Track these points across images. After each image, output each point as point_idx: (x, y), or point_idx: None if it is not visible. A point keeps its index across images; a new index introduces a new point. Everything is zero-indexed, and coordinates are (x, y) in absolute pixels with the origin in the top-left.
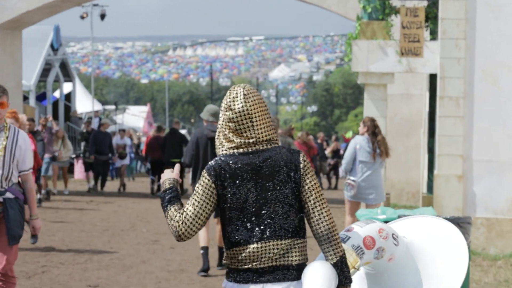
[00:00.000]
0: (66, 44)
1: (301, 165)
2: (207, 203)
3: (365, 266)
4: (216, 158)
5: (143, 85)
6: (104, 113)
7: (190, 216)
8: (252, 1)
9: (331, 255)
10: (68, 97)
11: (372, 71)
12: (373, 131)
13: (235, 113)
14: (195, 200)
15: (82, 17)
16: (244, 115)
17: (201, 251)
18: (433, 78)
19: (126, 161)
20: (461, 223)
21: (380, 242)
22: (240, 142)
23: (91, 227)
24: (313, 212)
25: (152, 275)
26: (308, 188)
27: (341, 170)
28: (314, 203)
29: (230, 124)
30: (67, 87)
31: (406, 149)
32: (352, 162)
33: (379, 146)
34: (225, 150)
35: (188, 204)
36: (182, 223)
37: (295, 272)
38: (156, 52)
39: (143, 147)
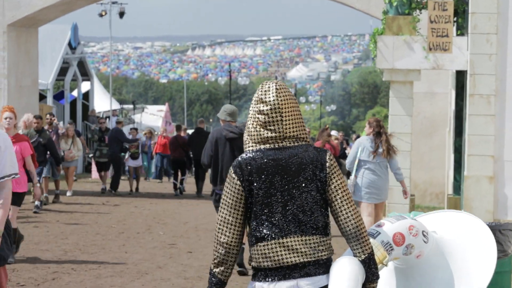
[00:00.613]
0: (86, 44)
1: (327, 164)
2: (239, 199)
3: (394, 261)
4: (242, 155)
5: (161, 84)
6: (122, 112)
7: (227, 220)
8: (270, 1)
9: (359, 252)
10: (86, 96)
11: (398, 67)
12: (378, 131)
13: (266, 105)
14: (226, 201)
15: (101, 15)
16: (275, 108)
17: None
18: (460, 75)
19: (139, 161)
20: (503, 230)
21: (410, 239)
22: (268, 136)
23: (106, 230)
24: (341, 211)
25: (168, 282)
26: (335, 187)
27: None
28: (342, 201)
29: (260, 116)
30: (85, 86)
31: (430, 149)
32: (355, 162)
33: (382, 145)
34: (252, 146)
35: (220, 211)
36: (221, 232)
37: (324, 266)
38: (175, 52)
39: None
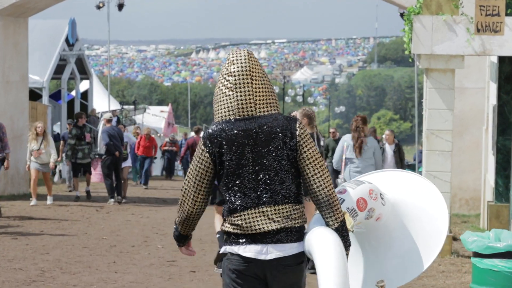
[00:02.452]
0: (90, 47)
1: (297, 132)
2: (205, 172)
3: (356, 226)
4: (212, 126)
5: (165, 87)
6: (122, 113)
7: (190, 190)
8: (274, 4)
9: (332, 220)
10: (85, 95)
11: (437, 53)
12: (356, 127)
13: (237, 67)
14: (192, 172)
15: (99, 7)
16: (246, 70)
17: (217, 235)
18: (503, 64)
19: (128, 162)
20: None
21: (371, 203)
22: (237, 102)
23: (96, 243)
24: (313, 179)
25: None
26: (307, 155)
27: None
28: (314, 170)
29: (230, 78)
30: (84, 85)
31: (460, 150)
32: (341, 159)
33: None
34: (221, 115)
35: (186, 179)
36: (184, 201)
37: (297, 234)
38: (179, 55)
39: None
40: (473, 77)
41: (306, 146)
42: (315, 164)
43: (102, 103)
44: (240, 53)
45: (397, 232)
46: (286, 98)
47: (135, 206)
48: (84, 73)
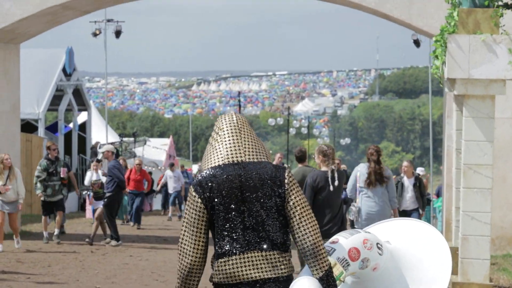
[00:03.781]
0: (91, 79)
1: (286, 181)
2: (201, 218)
3: (351, 276)
4: (202, 173)
5: (167, 119)
6: (122, 145)
7: (189, 240)
8: (275, 36)
9: (317, 269)
10: (83, 127)
11: (476, 77)
12: (368, 158)
13: (226, 124)
14: (188, 220)
15: (95, 34)
16: (234, 125)
17: None
18: None
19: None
20: None
21: (365, 253)
22: (227, 149)
23: None
24: (299, 228)
25: None
26: (294, 203)
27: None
28: (300, 218)
29: (220, 132)
30: (82, 116)
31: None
32: (355, 189)
33: (370, 174)
34: (211, 163)
35: (182, 230)
36: (184, 254)
37: (284, 283)
38: (180, 87)
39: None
40: (500, 105)
41: (293, 194)
42: (301, 213)
43: (101, 135)
44: (228, 114)
45: (397, 282)
46: (291, 129)
47: (133, 246)
48: (82, 104)
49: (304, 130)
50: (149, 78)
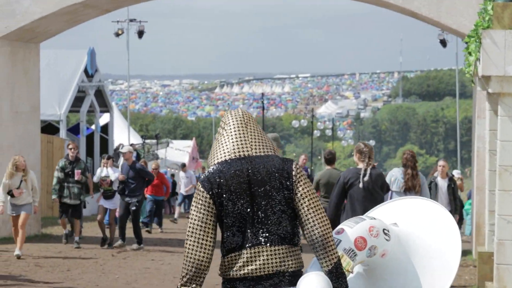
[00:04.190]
0: (114, 81)
1: (293, 173)
2: (208, 214)
3: (361, 264)
4: (209, 169)
5: (190, 121)
6: (144, 147)
7: (197, 236)
8: (298, 39)
9: (326, 261)
10: (105, 129)
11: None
12: (404, 164)
13: (232, 119)
14: (195, 216)
15: (118, 34)
16: (239, 120)
17: None
18: None
19: (114, 202)
20: None
21: (372, 241)
22: (233, 144)
23: None
24: (307, 219)
25: None
26: (301, 195)
27: None
28: (308, 209)
29: (226, 127)
30: (104, 118)
31: None
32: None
33: (408, 180)
34: (217, 158)
35: (190, 227)
36: (192, 250)
37: (290, 278)
38: (203, 89)
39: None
40: None
41: (301, 185)
42: (309, 204)
43: (124, 137)
44: (234, 110)
45: (407, 267)
46: (315, 132)
47: (156, 249)
48: (104, 105)
49: (329, 132)
50: (172, 81)
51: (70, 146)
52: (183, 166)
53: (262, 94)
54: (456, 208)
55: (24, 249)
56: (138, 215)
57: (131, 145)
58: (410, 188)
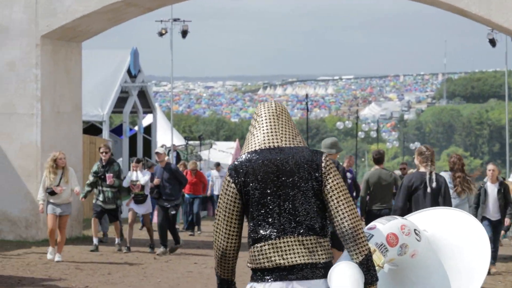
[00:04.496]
0: (158, 83)
1: (323, 164)
2: (233, 203)
3: (389, 263)
4: (238, 158)
5: (233, 123)
6: (187, 148)
7: (222, 224)
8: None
9: (356, 253)
10: (148, 130)
11: None
12: (451, 167)
13: (264, 110)
14: (221, 205)
15: (161, 34)
16: (272, 112)
17: None
18: None
19: (147, 207)
20: None
21: (403, 239)
22: (264, 135)
23: None
24: (337, 211)
25: None
26: (331, 187)
27: None
28: (338, 201)
29: (258, 118)
30: (147, 119)
31: None
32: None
33: (459, 184)
34: (248, 148)
35: (216, 215)
36: (217, 237)
37: (322, 270)
38: (246, 91)
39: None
40: None
41: (331, 177)
42: (339, 196)
43: (167, 138)
44: (267, 102)
45: (436, 270)
46: (359, 133)
47: (198, 252)
48: (148, 106)
49: (373, 134)
50: (216, 82)
51: (102, 150)
52: (217, 165)
53: (307, 95)
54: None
55: (65, 251)
56: (176, 219)
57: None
58: (463, 191)
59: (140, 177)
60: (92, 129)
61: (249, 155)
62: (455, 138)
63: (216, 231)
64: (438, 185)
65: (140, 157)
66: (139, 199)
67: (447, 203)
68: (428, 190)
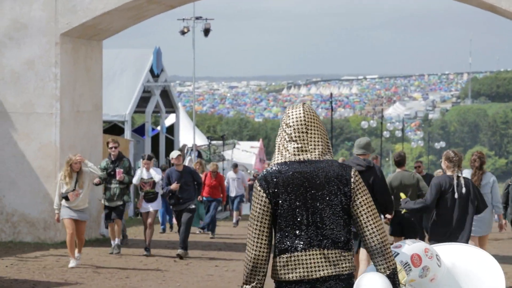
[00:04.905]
0: (182, 83)
1: (352, 180)
2: (264, 213)
3: (408, 284)
4: (268, 168)
5: (257, 123)
6: (210, 148)
7: (253, 234)
8: (366, 40)
9: (384, 268)
10: (171, 130)
11: None
12: (472, 165)
13: (293, 119)
14: (253, 214)
15: (183, 32)
16: (301, 122)
17: None
18: None
19: (156, 204)
20: None
21: (426, 261)
22: (294, 148)
23: None
24: (366, 226)
25: None
26: (360, 203)
27: None
28: (367, 217)
29: (287, 129)
30: (170, 119)
31: None
32: None
33: (475, 181)
34: (278, 159)
35: (248, 225)
36: (249, 247)
37: (345, 281)
38: (270, 91)
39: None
40: None
41: (360, 193)
42: (368, 212)
43: (189, 138)
44: (296, 108)
45: None
46: (384, 132)
47: (219, 254)
48: (170, 106)
49: (398, 134)
50: (240, 82)
51: (110, 145)
52: (234, 166)
53: (331, 95)
54: None
55: (83, 254)
56: (191, 222)
57: (184, 146)
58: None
59: (154, 174)
60: (114, 128)
61: (278, 166)
62: (480, 137)
63: (248, 241)
64: (467, 190)
65: (151, 154)
66: (150, 197)
67: (480, 207)
68: (456, 195)
